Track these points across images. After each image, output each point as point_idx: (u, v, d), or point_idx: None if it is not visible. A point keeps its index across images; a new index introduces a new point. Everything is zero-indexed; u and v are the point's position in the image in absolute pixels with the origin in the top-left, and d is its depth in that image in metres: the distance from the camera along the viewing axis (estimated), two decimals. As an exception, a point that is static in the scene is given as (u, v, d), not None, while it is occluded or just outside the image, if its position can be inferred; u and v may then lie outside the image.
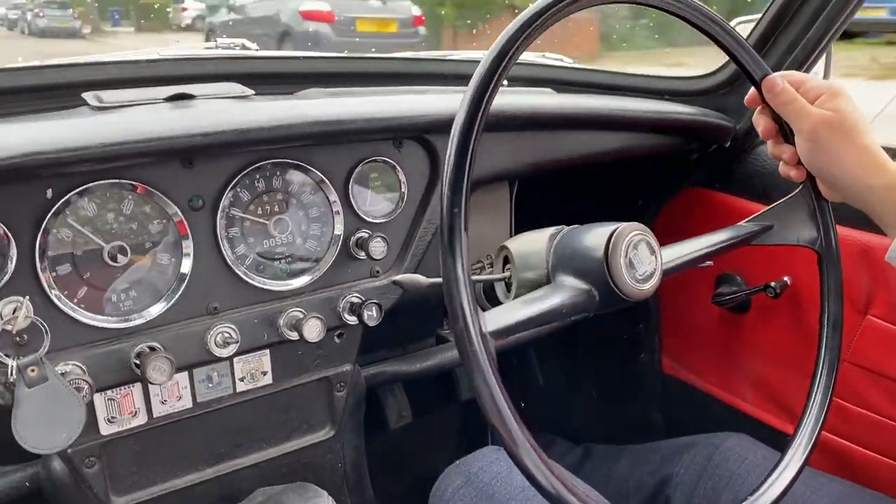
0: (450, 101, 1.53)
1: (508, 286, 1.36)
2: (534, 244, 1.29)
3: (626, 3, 1.12)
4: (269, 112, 1.31)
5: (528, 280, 1.28)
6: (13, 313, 1.13)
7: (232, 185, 1.31)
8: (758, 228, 1.31)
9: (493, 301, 1.63)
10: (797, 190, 1.29)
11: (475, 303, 0.95)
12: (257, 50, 1.64)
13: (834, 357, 1.28)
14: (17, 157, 1.05)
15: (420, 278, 1.27)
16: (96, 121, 1.21)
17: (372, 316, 1.42)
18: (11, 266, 1.13)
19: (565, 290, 1.13)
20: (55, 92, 1.37)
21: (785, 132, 1.23)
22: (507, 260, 1.37)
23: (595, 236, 1.18)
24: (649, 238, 1.18)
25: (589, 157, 1.73)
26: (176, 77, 1.43)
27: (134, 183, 1.21)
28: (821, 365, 1.28)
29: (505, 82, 1.95)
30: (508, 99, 1.59)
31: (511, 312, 1.04)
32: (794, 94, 1.15)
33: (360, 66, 1.64)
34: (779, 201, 1.30)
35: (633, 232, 1.16)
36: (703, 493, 1.47)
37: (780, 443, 1.52)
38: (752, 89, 1.22)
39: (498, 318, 1.00)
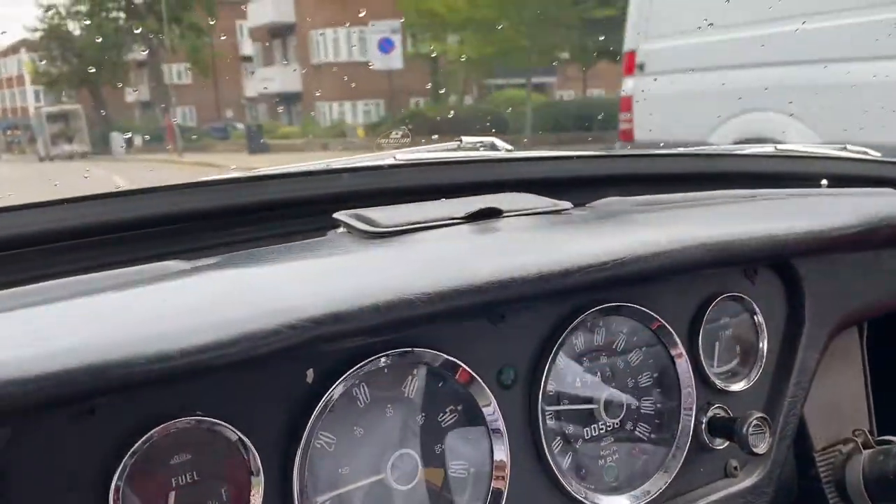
0: (814, 215, 1.06)
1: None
2: None
3: None
4: (604, 239, 0.86)
5: None
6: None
7: (554, 347, 0.85)
8: None
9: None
10: None
11: None
12: (512, 150, 1.23)
13: None
14: (294, 328, 0.61)
15: None
16: (380, 259, 0.77)
17: (766, 550, 0.90)
18: (260, 492, 0.68)
19: None
20: (287, 211, 0.95)
21: None
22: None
23: None
24: None
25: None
26: (437, 187, 1.01)
27: (436, 353, 0.75)
28: None
29: (825, 182, 1.50)
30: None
31: None
32: None
33: (663, 165, 1.20)
34: None
35: None
36: None
37: None
38: None
39: None
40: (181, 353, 0.56)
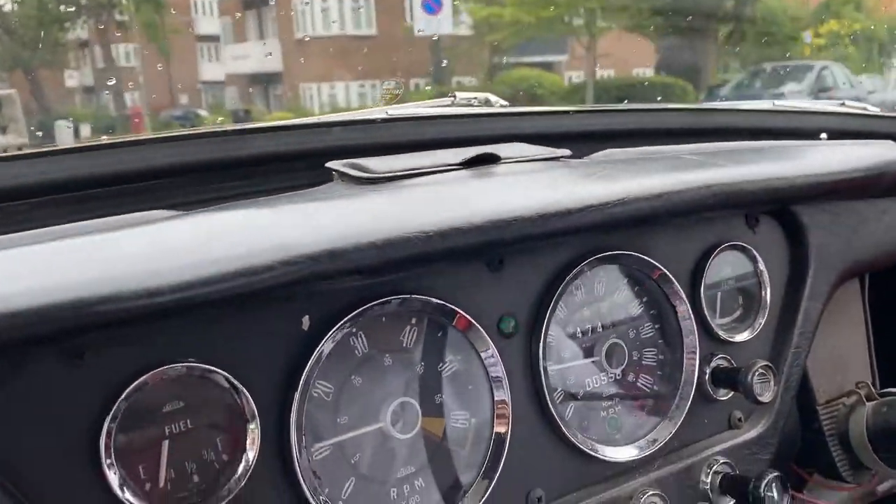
0: (816, 160, 1.05)
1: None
2: None
3: None
4: (604, 182, 0.84)
5: None
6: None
7: (554, 296, 0.83)
8: None
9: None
10: None
11: None
12: (508, 105, 1.20)
13: None
14: (288, 264, 0.59)
15: None
16: (376, 202, 0.75)
17: (773, 498, 0.88)
18: (256, 441, 0.66)
19: None
20: (277, 165, 0.93)
21: None
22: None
23: None
24: None
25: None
26: (431, 141, 0.99)
27: (433, 300, 0.74)
28: None
29: (824, 136, 1.48)
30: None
31: None
32: None
33: (662, 120, 1.17)
34: None
35: None
36: None
37: None
38: None
39: None
40: (171, 289, 0.54)
